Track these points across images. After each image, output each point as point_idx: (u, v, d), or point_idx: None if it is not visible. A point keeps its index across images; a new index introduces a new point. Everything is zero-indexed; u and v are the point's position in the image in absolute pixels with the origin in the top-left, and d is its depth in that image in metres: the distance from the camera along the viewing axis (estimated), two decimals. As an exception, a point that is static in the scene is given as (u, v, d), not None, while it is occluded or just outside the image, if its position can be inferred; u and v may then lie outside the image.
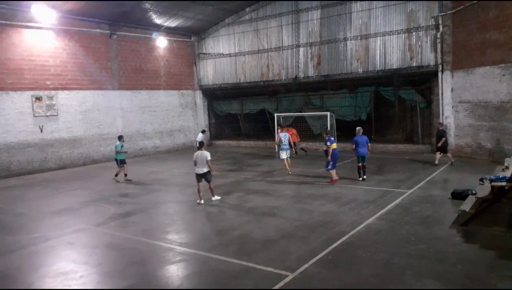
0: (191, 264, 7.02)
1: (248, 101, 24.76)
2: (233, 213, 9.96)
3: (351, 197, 10.98)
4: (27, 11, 16.20)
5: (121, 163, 14.75)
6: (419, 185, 12.06)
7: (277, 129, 17.79)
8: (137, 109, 21.71)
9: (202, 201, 10.88)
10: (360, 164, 13.00)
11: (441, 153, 15.14)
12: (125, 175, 14.83)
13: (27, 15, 16.45)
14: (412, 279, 5.96)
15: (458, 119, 17.13)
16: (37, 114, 17.32)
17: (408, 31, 18.45)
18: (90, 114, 19.39)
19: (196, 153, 10.90)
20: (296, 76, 21.91)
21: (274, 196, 11.55)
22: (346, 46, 20.19)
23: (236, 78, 24.11)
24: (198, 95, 25.47)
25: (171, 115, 23.72)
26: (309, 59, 21.46)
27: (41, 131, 17.51)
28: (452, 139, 17.08)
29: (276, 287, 5.87)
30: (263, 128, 24.40)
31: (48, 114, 17.71)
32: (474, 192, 8.81)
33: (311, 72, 21.49)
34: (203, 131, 19.31)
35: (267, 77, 23.00)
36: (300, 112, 22.42)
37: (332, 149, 12.48)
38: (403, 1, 18.38)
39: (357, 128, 13.41)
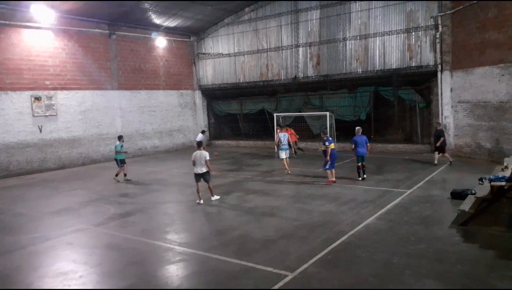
0: (190, 264, 7.02)
1: (247, 101, 24.75)
2: (232, 213, 9.96)
3: (351, 197, 10.99)
4: (26, 11, 16.18)
5: (121, 163, 14.75)
6: (418, 185, 12.07)
7: (277, 129, 17.80)
8: (136, 109, 21.69)
9: (202, 201, 10.87)
10: (359, 164, 13.03)
11: (440, 153, 15.18)
12: (125, 175, 14.83)
13: (26, 15, 16.43)
14: (411, 279, 5.96)
15: (457, 119, 17.14)
16: (36, 114, 17.30)
17: (408, 31, 18.46)
18: (89, 114, 19.37)
19: (194, 153, 10.89)
20: (295, 76, 21.90)
21: (273, 196, 11.55)
22: (346, 46, 20.19)
23: (236, 78, 24.10)
24: (198, 95, 25.46)
25: (170, 115, 23.70)
26: (308, 59, 21.45)
27: (40, 131, 17.49)
28: (451, 139, 17.11)
29: (276, 287, 5.87)
30: (262, 128, 24.40)
31: (47, 114, 17.69)
32: (473, 191, 8.80)
33: (310, 72, 21.49)
34: (203, 132, 19.14)
35: (267, 77, 22.99)
36: (299, 112, 22.42)
37: (331, 149, 12.50)
38: (402, 1, 18.38)
39: (357, 128, 13.43)
